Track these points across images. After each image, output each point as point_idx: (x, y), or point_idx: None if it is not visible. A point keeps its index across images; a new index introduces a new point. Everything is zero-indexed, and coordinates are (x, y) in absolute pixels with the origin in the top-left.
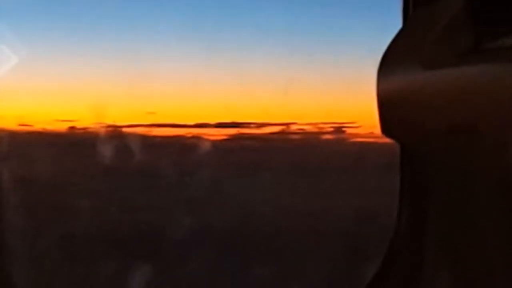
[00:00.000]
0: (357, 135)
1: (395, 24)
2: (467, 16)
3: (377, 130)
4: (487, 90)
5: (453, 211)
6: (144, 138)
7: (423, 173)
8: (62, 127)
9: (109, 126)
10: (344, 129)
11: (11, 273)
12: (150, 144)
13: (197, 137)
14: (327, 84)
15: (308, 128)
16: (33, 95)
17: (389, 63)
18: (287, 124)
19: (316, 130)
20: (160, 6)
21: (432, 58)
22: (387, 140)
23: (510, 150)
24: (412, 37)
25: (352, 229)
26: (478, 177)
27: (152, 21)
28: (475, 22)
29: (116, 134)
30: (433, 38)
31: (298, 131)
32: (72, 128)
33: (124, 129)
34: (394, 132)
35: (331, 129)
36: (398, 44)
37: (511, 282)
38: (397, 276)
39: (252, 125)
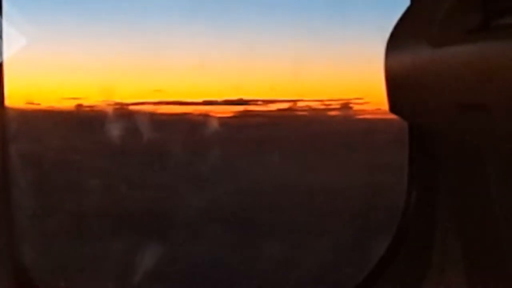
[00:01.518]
0: (364, 112)
1: (403, 1)
2: None
3: (385, 106)
4: (495, 67)
5: (463, 187)
6: (152, 116)
7: (431, 150)
8: (70, 105)
9: (117, 103)
10: (351, 105)
11: (21, 251)
12: (157, 121)
13: (204, 115)
14: (334, 61)
15: (315, 104)
16: (40, 74)
17: (397, 41)
18: (294, 101)
19: (323, 106)
20: None
21: (440, 36)
22: (394, 116)
23: None
24: (420, 15)
25: (361, 205)
26: (487, 153)
27: (159, 0)
28: (482, 0)
29: (123, 112)
30: (441, 16)
31: (305, 107)
32: (79, 106)
33: (131, 107)
34: (402, 110)
35: (338, 105)
36: (406, 22)
37: None
38: (408, 251)
39: (259, 102)
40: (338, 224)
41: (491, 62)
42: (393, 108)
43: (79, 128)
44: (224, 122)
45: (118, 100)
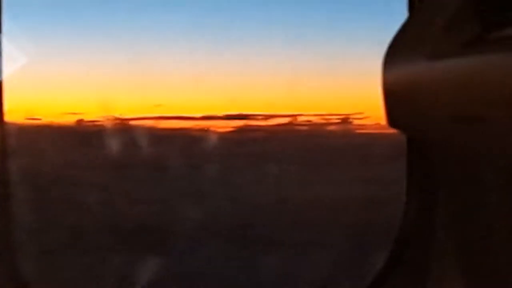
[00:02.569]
0: (363, 126)
1: (402, 14)
2: (472, 6)
3: (384, 121)
4: (492, 79)
5: (461, 199)
6: (152, 131)
7: (430, 162)
8: (70, 120)
9: (117, 118)
10: (350, 120)
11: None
12: (158, 136)
13: (204, 130)
14: (334, 76)
15: (315, 119)
16: (40, 89)
17: (394, 54)
18: (294, 116)
19: (323, 121)
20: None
21: (437, 48)
22: (393, 131)
23: None
24: (418, 27)
25: (359, 219)
26: (484, 165)
27: (159, 15)
28: (481, 12)
29: (123, 127)
30: (439, 28)
31: (305, 122)
32: (79, 121)
33: (132, 122)
34: (400, 123)
35: (338, 120)
36: (404, 34)
37: None
38: (406, 265)
39: (259, 117)
40: (336, 238)
41: (488, 75)
42: (390, 121)
43: (79, 143)
44: (223, 137)
45: (118, 115)
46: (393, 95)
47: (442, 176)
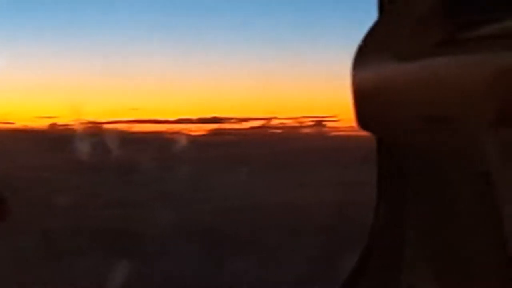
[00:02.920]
0: (337, 129)
1: (373, 16)
2: (442, 6)
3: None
4: (461, 81)
5: (431, 203)
6: (126, 134)
7: (400, 165)
8: (44, 124)
9: (91, 122)
10: (324, 123)
11: None
12: (132, 140)
13: (178, 133)
14: (308, 79)
15: (288, 122)
16: (14, 93)
17: (364, 55)
18: (268, 119)
19: (296, 124)
20: (140, 3)
21: (407, 49)
22: (367, 133)
23: (482, 140)
24: (388, 28)
25: (332, 222)
26: (454, 168)
27: (132, 18)
28: (450, 12)
29: (97, 131)
30: (408, 29)
31: (279, 125)
32: (53, 125)
33: (106, 126)
34: (370, 124)
35: (312, 123)
36: (373, 35)
37: (490, 270)
38: (376, 269)
39: (233, 120)
40: (307, 240)
41: (457, 75)
42: (360, 123)
43: (52, 147)
44: (197, 140)
45: (92, 118)
46: (362, 97)
47: (412, 177)
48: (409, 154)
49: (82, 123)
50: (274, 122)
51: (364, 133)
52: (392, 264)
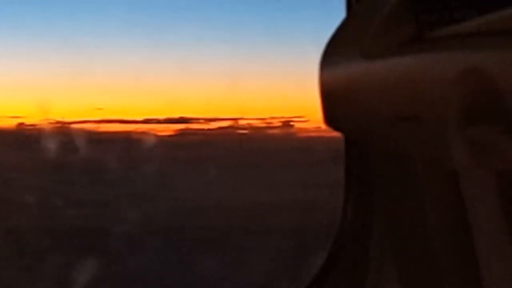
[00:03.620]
0: (305, 130)
1: (340, 15)
2: (408, 5)
3: (325, 125)
4: (428, 79)
5: (398, 201)
6: (92, 134)
7: (367, 163)
8: (11, 123)
9: (58, 122)
10: (292, 123)
11: None
12: (98, 140)
13: (145, 133)
14: (275, 79)
15: (256, 123)
16: None
17: (331, 54)
18: (235, 119)
19: (264, 124)
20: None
21: (373, 48)
22: (335, 134)
23: (449, 139)
24: (354, 27)
25: (299, 223)
26: (421, 165)
27: (97, 17)
28: (416, 12)
29: (64, 131)
30: (375, 28)
31: (246, 125)
32: (20, 124)
33: (73, 125)
34: (337, 123)
35: (279, 123)
36: (341, 34)
37: (456, 271)
38: (343, 267)
39: (200, 120)
40: (274, 241)
41: (424, 74)
42: (328, 121)
43: (18, 146)
44: (164, 140)
45: (59, 118)
46: (330, 95)
47: (379, 176)
48: (377, 153)
49: (49, 123)
50: (241, 122)
51: (332, 134)
52: (359, 261)
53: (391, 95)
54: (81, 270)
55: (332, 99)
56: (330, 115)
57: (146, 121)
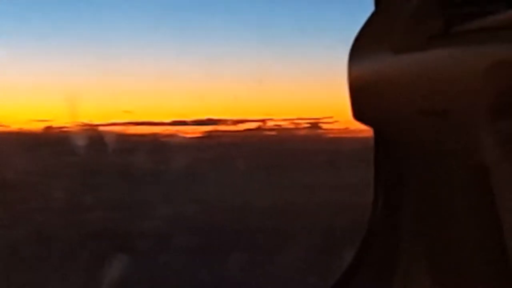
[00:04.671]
0: (333, 131)
1: (368, 10)
2: None
3: (353, 125)
4: (456, 73)
5: (427, 196)
6: (120, 137)
7: (396, 159)
8: (39, 127)
9: (85, 125)
10: (320, 124)
11: None
12: (126, 142)
13: (173, 135)
14: (303, 80)
15: (284, 124)
16: (9, 96)
17: (360, 48)
18: (263, 120)
19: (292, 126)
20: (135, 6)
21: (402, 42)
22: (363, 135)
23: (479, 133)
24: (383, 21)
25: (327, 224)
26: (450, 160)
27: (127, 21)
28: (445, 5)
29: (92, 133)
30: (404, 22)
31: (274, 127)
32: (48, 127)
33: (101, 128)
34: (365, 117)
35: (307, 124)
36: (369, 28)
37: (487, 269)
38: (372, 265)
39: (228, 122)
40: (302, 242)
41: (453, 68)
42: (356, 115)
43: (48, 150)
44: (192, 142)
45: (87, 121)
46: (358, 89)
47: (408, 172)
48: (406, 147)
49: (78, 126)
50: (269, 123)
51: (359, 134)
52: (388, 259)
53: (420, 89)
54: (112, 267)
55: (361, 94)
56: (359, 110)
57: (174, 123)
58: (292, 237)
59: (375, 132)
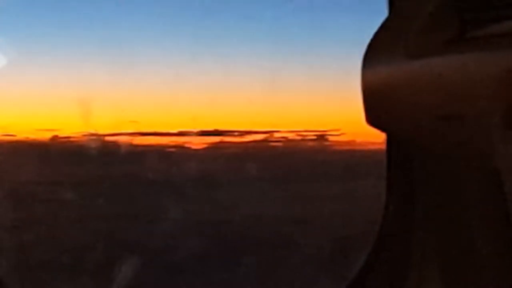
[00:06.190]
0: (340, 143)
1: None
2: (452, 4)
3: (361, 137)
4: (472, 78)
5: (440, 201)
6: (127, 147)
7: (409, 163)
8: (46, 136)
9: (92, 134)
10: (327, 136)
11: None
12: (132, 152)
13: (179, 146)
14: (310, 92)
15: (291, 136)
16: (16, 105)
17: (374, 53)
18: (270, 132)
19: (299, 137)
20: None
21: (417, 47)
22: (369, 147)
23: (494, 138)
24: (398, 26)
25: (333, 236)
26: (464, 165)
27: (135, 31)
28: (460, 10)
29: (99, 143)
30: (418, 27)
31: (281, 139)
32: (55, 137)
33: (107, 138)
34: (379, 122)
35: (314, 136)
36: (383, 33)
37: (498, 270)
38: (384, 266)
39: (235, 133)
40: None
41: (467, 73)
42: (370, 120)
43: (54, 159)
44: (199, 153)
45: (94, 131)
46: (372, 93)
47: (421, 176)
48: (419, 151)
49: (84, 136)
50: (276, 135)
51: (366, 147)
52: (400, 263)
53: (435, 94)
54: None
55: (375, 98)
56: (373, 114)
57: (181, 134)
58: (298, 249)
59: (388, 136)
